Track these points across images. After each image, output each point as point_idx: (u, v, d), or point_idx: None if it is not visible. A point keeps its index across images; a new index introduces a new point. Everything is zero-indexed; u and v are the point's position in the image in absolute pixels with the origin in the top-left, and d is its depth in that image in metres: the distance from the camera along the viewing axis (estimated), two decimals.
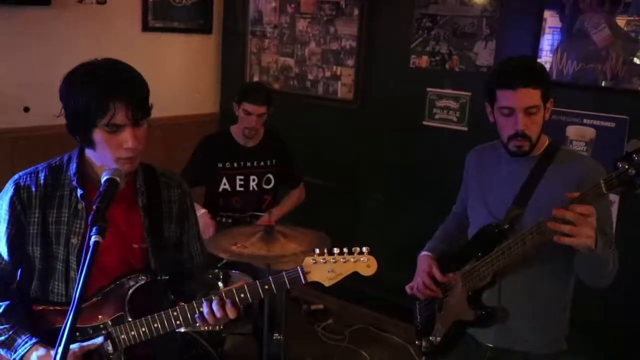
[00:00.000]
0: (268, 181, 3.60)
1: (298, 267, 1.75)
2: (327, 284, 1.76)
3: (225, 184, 3.52)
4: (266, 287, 1.75)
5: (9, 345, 1.77)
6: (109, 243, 1.78)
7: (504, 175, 2.20)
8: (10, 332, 1.77)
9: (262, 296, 1.78)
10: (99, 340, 1.77)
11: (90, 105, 1.64)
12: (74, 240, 1.80)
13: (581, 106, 3.21)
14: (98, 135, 1.69)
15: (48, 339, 1.75)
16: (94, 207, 1.54)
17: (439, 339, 2.36)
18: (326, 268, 1.75)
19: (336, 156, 4.30)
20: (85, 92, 1.66)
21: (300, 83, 4.42)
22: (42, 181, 1.80)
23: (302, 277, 1.74)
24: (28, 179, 1.80)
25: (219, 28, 4.79)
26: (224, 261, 3.17)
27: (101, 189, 1.62)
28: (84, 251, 1.45)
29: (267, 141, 3.62)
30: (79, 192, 1.78)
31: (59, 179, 1.80)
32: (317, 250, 1.76)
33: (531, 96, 2.02)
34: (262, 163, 3.57)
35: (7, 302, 1.81)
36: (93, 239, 1.46)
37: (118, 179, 1.65)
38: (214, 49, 4.80)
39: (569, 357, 2.19)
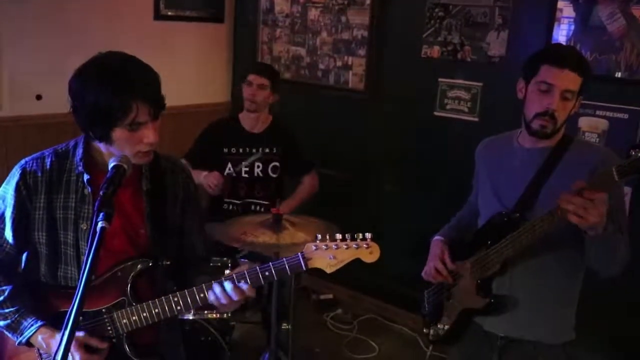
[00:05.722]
0: (274, 169, 3.57)
1: (299, 253, 1.72)
2: (328, 270, 1.72)
3: (229, 169, 3.51)
4: (266, 273, 1.73)
5: (14, 328, 1.78)
6: (117, 227, 1.80)
7: (517, 165, 2.18)
8: (16, 315, 1.79)
9: (262, 282, 1.75)
10: (105, 345, 1.77)
11: (112, 105, 1.63)
12: (83, 226, 1.80)
13: (594, 97, 3.17)
14: (118, 133, 1.68)
15: (53, 323, 1.76)
16: (101, 192, 1.55)
17: (446, 327, 2.36)
18: (327, 254, 1.71)
19: (346, 146, 4.29)
20: (104, 92, 1.62)
21: (312, 73, 4.41)
22: (48, 166, 1.80)
23: (302, 264, 1.72)
24: (34, 164, 1.81)
25: (231, 17, 4.79)
26: (243, 252, 3.14)
27: (108, 175, 1.62)
28: (90, 236, 1.46)
29: (273, 129, 3.62)
30: (86, 177, 1.78)
31: (65, 164, 1.80)
32: (319, 236, 1.73)
33: (574, 81, 2.03)
34: (267, 150, 3.53)
35: (11, 286, 1.82)
36: (100, 224, 1.47)
37: (125, 166, 1.66)
38: (225, 38, 4.80)
39: (577, 346, 2.19)
